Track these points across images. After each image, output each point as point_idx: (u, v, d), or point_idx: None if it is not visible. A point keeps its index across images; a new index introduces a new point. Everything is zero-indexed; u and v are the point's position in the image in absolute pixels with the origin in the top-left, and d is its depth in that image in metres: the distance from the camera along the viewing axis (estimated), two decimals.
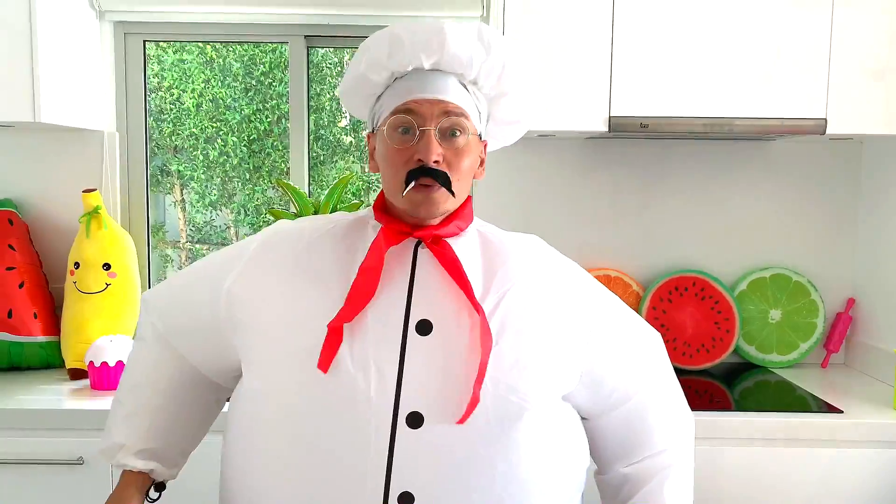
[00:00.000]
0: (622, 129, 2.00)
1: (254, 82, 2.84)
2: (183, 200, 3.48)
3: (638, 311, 2.30)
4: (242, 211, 3.09)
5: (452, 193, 1.09)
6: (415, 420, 0.99)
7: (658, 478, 1.16)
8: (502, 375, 1.03)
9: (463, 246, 1.13)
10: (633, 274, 2.35)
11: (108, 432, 1.26)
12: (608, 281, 2.31)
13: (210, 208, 3.37)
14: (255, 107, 2.84)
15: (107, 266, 2.15)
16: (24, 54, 1.93)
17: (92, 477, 1.81)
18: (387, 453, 0.99)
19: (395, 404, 1.00)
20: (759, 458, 1.83)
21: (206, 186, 2.99)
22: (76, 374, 2.08)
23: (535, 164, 2.35)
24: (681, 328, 2.28)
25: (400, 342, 1.03)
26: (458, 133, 1.09)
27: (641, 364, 1.22)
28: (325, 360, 1.00)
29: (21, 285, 2.14)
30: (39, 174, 2.31)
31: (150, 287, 2.43)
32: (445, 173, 1.07)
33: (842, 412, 1.88)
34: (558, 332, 1.11)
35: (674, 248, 2.38)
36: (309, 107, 2.48)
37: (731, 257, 2.37)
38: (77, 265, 2.15)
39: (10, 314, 2.10)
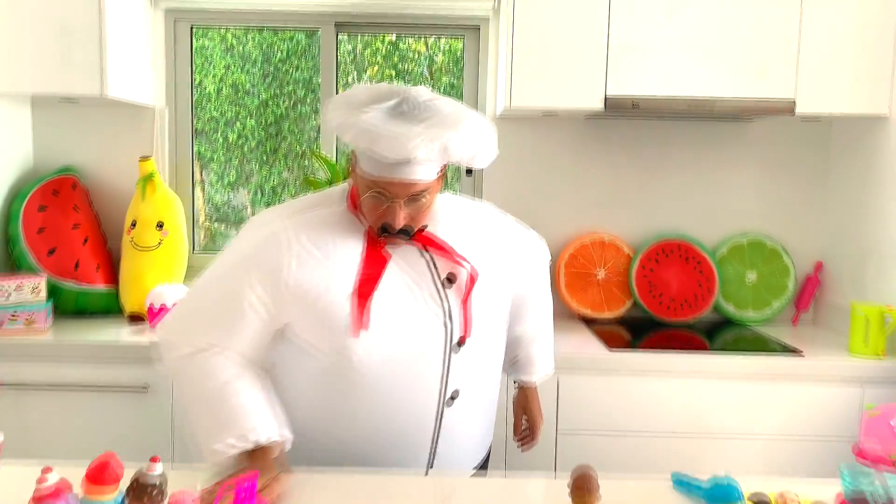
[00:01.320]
0: (617, 108, 2.28)
1: (272, 69, 3.01)
2: (203, 181, 3.72)
3: (629, 271, 2.59)
4: (259, 192, 3.26)
5: (413, 237, 1.35)
6: (459, 343, 1.37)
7: (537, 340, 1.67)
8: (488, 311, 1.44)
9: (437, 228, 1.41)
10: (625, 238, 2.65)
11: (225, 430, 1.25)
12: (602, 245, 2.60)
13: (229, 189, 3.61)
14: (272, 92, 3.01)
15: (160, 225, 2.44)
16: (94, 37, 2.21)
17: (154, 402, 2.11)
18: (442, 367, 1.36)
19: (447, 334, 1.36)
20: (732, 392, 2.13)
21: (225, 168, 3.15)
22: (134, 319, 2.37)
23: (539, 141, 2.64)
24: (666, 286, 2.57)
25: (437, 293, 1.36)
26: (421, 198, 1.30)
27: (538, 275, 1.66)
28: (357, 320, 1.29)
29: (85, 241, 2.43)
30: (98, 145, 2.59)
31: (194, 246, 2.72)
32: (409, 229, 1.32)
33: (802, 354, 2.17)
34: (501, 272, 1.48)
35: (662, 217, 2.66)
36: (337, 87, 2.76)
37: (713, 225, 2.66)
38: (134, 224, 2.44)
39: (76, 266, 2.39)
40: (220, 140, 2.98)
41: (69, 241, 2.40)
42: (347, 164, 1.44)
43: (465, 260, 1.38)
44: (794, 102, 2.26)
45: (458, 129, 1.24)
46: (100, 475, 0.88)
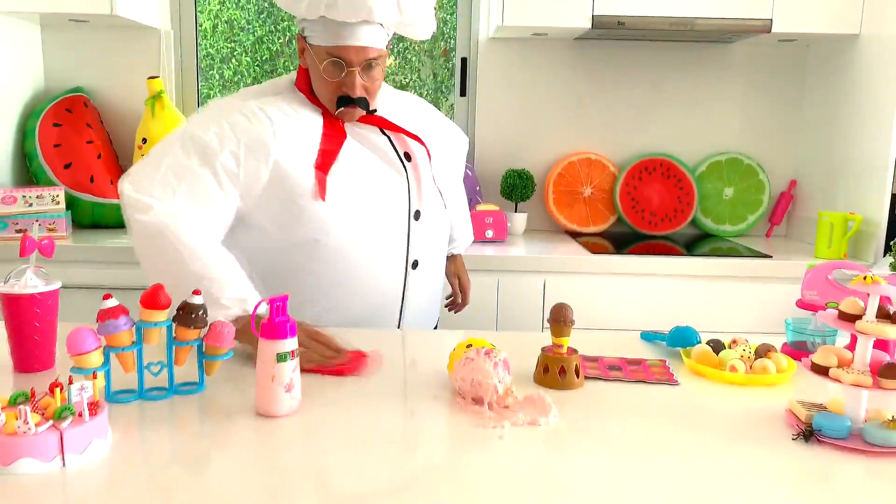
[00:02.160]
0: (603, 27, 2.40)
1: (266, 4, 3.05)
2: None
3: (613, 187, 2.75)
4: None
5: (368, 110, 1.48)
6: (417, 215, 1.53)
7: (460, 215, 1.86)
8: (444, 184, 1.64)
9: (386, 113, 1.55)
10: (610, 156, 2.79)
11: (223, 299, 1.26)
12: (589, 163, 2.75)
13: None
14: (267, 28, 3.05)
15: None
16: None
17: None
18: (405, 237, 1.51)
19: (408, 205, 1.52)
20: (707, 292, 2.30)
21: None
22: None
23: (530, 63, 2.76)
24: (648, 201, 2.73)
25: (401, 168, 1.52)
26: (374, 66, 1.43)
27: (461, 160, 1.88)
28: (321, 190, 1.41)
29: (99, 156, 2.56)
30: (107, 65, 2.70)
31: None
32: (365, 98, 1.44)
33: (770, 257, 2.35)
34: (443, 152, 1.67)
35: (645, 136, 2.81)
36: None
37: (694, 144, 2.81)
38: (144, 141, 2.57)
39: (91, 179, 2.52)
40: (217, 77, 3.05)
41: (84, 156, 2.53)
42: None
43: (418, 139, 1.55)
44: (771, 21, 2.38)
45: None
46: (153, 300, 1.04)
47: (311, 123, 1.46)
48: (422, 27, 1.50)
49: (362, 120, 1.50)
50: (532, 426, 0.99)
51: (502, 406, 1.03)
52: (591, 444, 0.96)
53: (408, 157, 1.53)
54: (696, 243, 2.69)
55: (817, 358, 0.99)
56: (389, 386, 1.15)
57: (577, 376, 1.14)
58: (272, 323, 0.98)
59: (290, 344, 0.99)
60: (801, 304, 1.33)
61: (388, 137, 1.53)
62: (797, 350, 1.30)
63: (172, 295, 1.06)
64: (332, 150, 1.44)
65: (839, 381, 0.95)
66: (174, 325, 1.07)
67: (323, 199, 1.40)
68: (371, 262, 1.48)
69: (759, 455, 0.94)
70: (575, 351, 1.16)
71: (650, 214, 2.74)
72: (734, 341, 1.28)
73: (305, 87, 1.50)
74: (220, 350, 1.08)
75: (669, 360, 1.28)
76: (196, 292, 1.07)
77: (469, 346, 1.09)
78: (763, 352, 1.23)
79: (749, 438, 0.98)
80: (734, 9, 2.38)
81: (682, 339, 1.30)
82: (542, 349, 1.17)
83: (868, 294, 0.96)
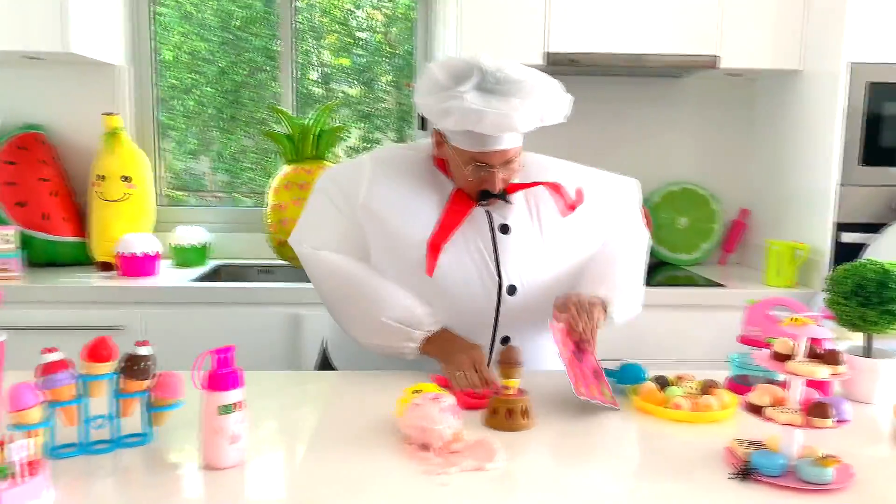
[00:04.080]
0: (557, 63, 2.45)
1: (230, 37, 3.05)
2: (163, 149, 3.79)
3: None
4: (219, 158, 3.33)
5: (507, 199, 1.45)
6: (511, 290, 1.44)
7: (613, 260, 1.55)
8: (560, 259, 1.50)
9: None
10: None
11: (411, 328, 1.41)
12: None
13: (189, 156, 3.67)
14: (230, 59, 3.06)
15: (126, 178, 2.55)
16: None
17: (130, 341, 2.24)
18: (494, 313, 1.45)
19: (498, 283, 1.43)
20: (663, 319, 2.35)
21: (185, 136, 3.20)
22: (104, 267, 2.49)
23: None
24: None
25: (491, 242, 1.44)
26: (514, 162, 1.42)
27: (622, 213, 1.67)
28: (430, 269, 1.40)
29: (53, 194, 2.53)
30: (63, 102, 2.68)
31: (159, 196, 2.84)
32: (504, 190, 1.43)
33: (724, 286, 2.41)
34: (579, 221, 1.51)
35: (601, 167, 2.85)
36: (293, 46, 2.88)
37: (649, 175, 2.86)
38: (100, 177, 2.55)
39: (44, 217, 2.49)
40: (179, 108, 3.04)
41: (38, 193, 2.50)
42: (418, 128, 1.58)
43: (535, 185, 1.46)
44: (717, 58, 2.46)
45: (546, 96, 1.38)
46: (97, 352, 1.03)
47: (428, 191, 1.46)
48: (559, 117, 1.46)
49: None
50: (479, 471, 1.00)
51: (449, 451, 1.04)
52: (535, 487, 0.97)
53: (505, 229, 1.46)
54: (653, 272, 2.73)
55: (753, 398, 1.02)
56: (337, 430, 1.15)
57: (525, 417, 1.16)
58: (215, 374, 0.99)
59: (234, 396, 0.99)
60: (744, 340, 1.37)
61: (487, 210, 1.46)
62: (740, 384, 1.34)
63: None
64: (451, 226, 1.42)
65: (773, 421, 0.98)
66: (120, 378, 1.06)
67: (430, 274, 1.40)
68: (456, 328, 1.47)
69: (697, 494, 0.96)
70: (524, 392, 1.18)
71: None
72: (680, 377, 1.31)
73: (441, 166, 1.50)
74: (168, 400, 1.07)
75: (618, 398, 1.31)
76: (140, 343, 1.07)
77: (417, 391, 1.10)
78: (707, 388, 1.26)
79: (688, 477, 1.01)
80: (682, 45, 2.46)
81: (630, 375, 1.33)
82: (494, 389, 1.18)
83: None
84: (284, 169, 2.55)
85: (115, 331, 2.23)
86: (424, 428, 1.04)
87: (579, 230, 1.51)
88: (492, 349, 1.47)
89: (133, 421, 1.08)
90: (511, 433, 1.13)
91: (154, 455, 1.06)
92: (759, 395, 1.02)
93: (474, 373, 1.33)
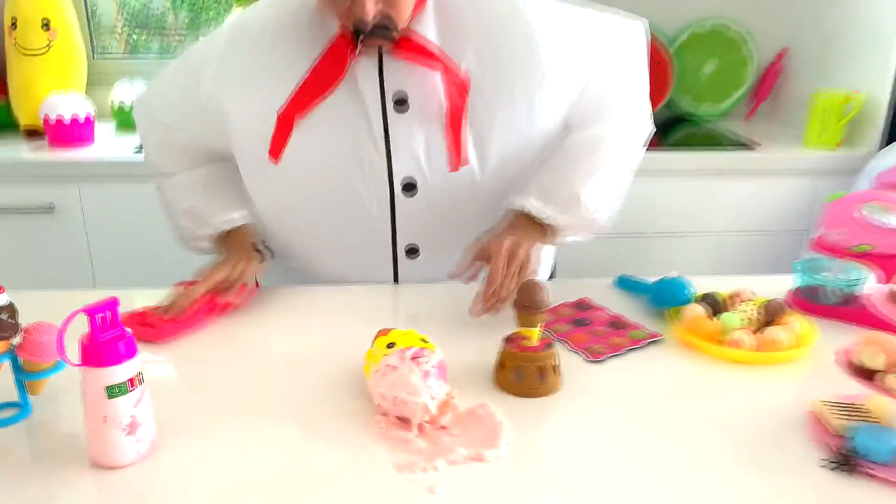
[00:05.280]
0: None
1: None
2: None
3: None
4: None
5: (396, 36, 1.01)
6: (409, 188, 1.08)
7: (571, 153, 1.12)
8: (480, 135, 1.06)
9: (420, 24, 1.04)
10: None
11: (205, 222, 1.16)
12: None
13: None
14: None
15: (45, 24, 2.10)
16: None
17: (63, 223, 1.93)
18: (389, 219, 1.10)
19: (388, 175, 1.07)
20: (685, 189, 2.03)
21: None
22: (32, 134, 2.11)
23: None
24: None
25: (381, 123, 1.04)
26: None
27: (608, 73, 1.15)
28: (276, 150, 1.05)
29: None
30: None
31: (94, 51, 2.40)
32: (388, 25, 0.99)
33: (755, 149, 2.06)
34: (528, 81, 1.06)
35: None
36: None
37: (671, 10, 2.42)
38: (14, 23, 2.10)
39: None
40: None
41: None
42: None
43: (451, 68, 1.02)
44: None
45: None
46: None
47: (301, 54, 1.05)
48: None
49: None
50: (476, 462, 0.72)
51: (437, 427, 0.76)
52: (553, 481, 0.70)
53: (402, 102, 1.04)
54: (671, 129, 2.37)
55: (861, 355, 0.73)
56: (284, 396, 0.85)
57: (546, 378, 0.84)
58: (95, 343, 0.68)
59: (127, 370, 0.69)
60: (820, 245, 1.06)
61: (380, 71, 1.04)
62: (808, 300, 1.04)
63: None
64: (314, 91, 1.03)
65: (893, 395, 0.70)
66: None
67: (275, 157, 1.06)
68: (342, 246, 1.14)
69: (781, 483, 0.69)
70: (550, 344, 0.86)
71: None
72: (735, 295, 1.02)
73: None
74: (41, 365, 0.78)
75: (652, 321, 1.02)
76: None
77: (391, 344, 0.80)
78: (772, 312, 0.97)
79: (764, 455, 0.74)
80: None
81: (669, 293, 1.03)
82: (504, 340, 0.87)
83: None
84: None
85: (43, 213, 1.91)
86: (402, 400, 0.75)
87: (528, 106, 1.06)
88: (396, 262, 1.15)
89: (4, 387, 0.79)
90: (524, 399, 0.84)
91: (32, 436, 0.78)
92: (869, 353, 0.72)
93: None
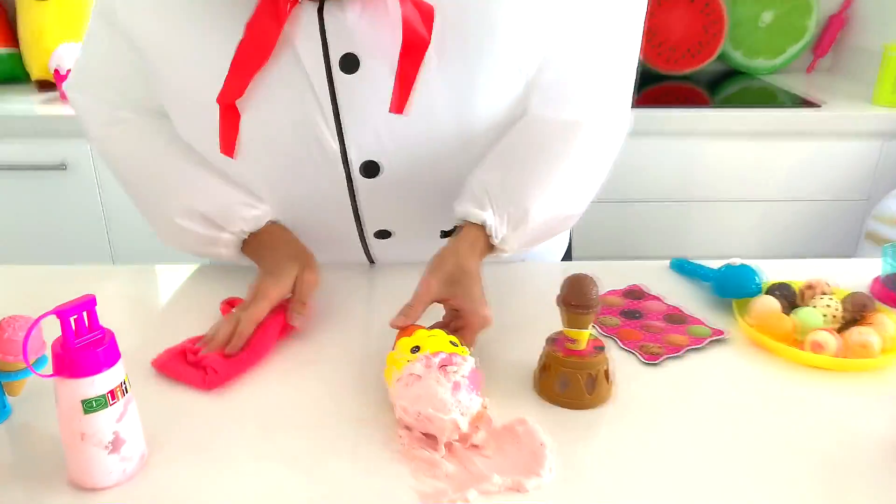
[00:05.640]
0: None
1: None
2: None
3: None
4: None
5: None
6: (370, 170, 0.88)
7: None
8: (446, 89, 0.83)
9: None
10: None
11: (225, 222, 0.91)
12: None
13: None
14: None
15: None
16: None
17: (75, 181, 1.84)
18: (351, 208, 0.92)
19: (343, 158, 0.87)
20: (738, 152, 1.87)
21: None
22: (44, 86, 2.02)
23: None
24: (668, 32, 2.20)
25: (328, 90, 0.82)
26: None
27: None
28: (227, 144, 0.85)
29: None
30: None
31: None
32: None
33: (820, 106, 1.88)
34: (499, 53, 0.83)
35: None
36: None
37: None
38: None
39: None
40: None
41: None
42: None
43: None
44: None
45: None
46: None
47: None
48: None
49: None
50: (514, 493, 0.62)
51: (468, 445, 0.66)
52: None
53: (350, 62, 0.81)
54: (723, 84, 2.20)
55: None
56: (291, 403, 0.74)
57: (596, 388, 0.72)
58: (69, 350, 0.58)
59: (107, 380, 0.59)
60: None
61: (321, 26, 0.80)
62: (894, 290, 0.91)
63: None
64: (251, 61, 0.80)
65: None
66: None
67: (228, 152, 0.86)
68: (303, 235, 0.94)
69: None
70: (600, 348, 0.73)
71: (669, 49, 2.21)
72: (809, 287, 0.89)
73: None
74: (19, 365, 0.68)
75: (713, 315, 0.89)
76: None
77: (416, 348, 0.69)
78: (858, 307, 0.83)
79: (855, 490, 0.62)
80: None
81: (735, 282, 0.90)
82: (549, 340, 0.75)
83: None
84: None
85: (55, 171, 1.82)
86: (428, 416, 0.64)
87: (497, 68, 0.83)
88: (366, 246, 0.99)
89: None
90: (570, 411, 0.72)
91: (11, 442, 0.69)
92: None
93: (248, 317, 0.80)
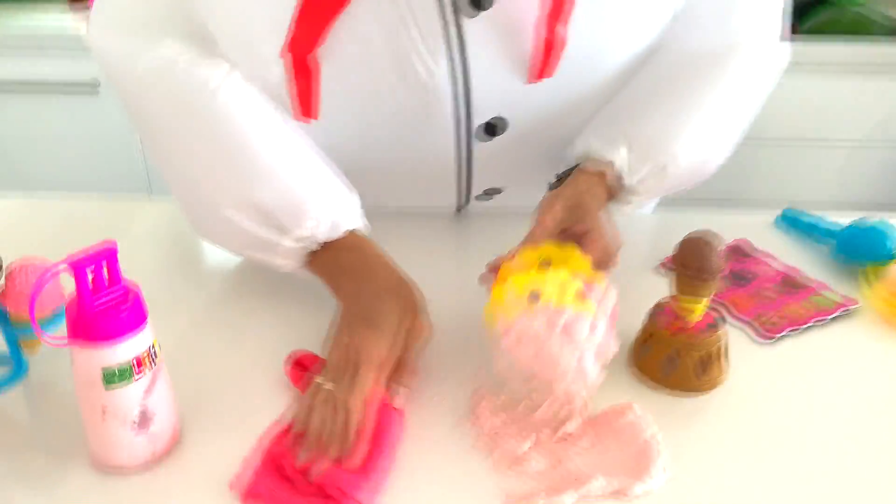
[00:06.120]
0: None
1: None
2: None
3: None
4: None
5: None
6: (492, 129, 0.72)
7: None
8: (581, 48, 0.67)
9: None
10: None
11: (293, 224, 0.65)
12: None
13: None
14: None
15: None
16: None
17: (110, 103, 1.74)
18: (465, 169, 0.77)
19: (466, 116, 0.70)
20: (816, 87, 1.70)
21: None
22: (75, 1, 1.90)
23: None
24: None
25: (443, 34, 0.64)
26: None
27: None
28: (304, 103, 0.67)
29: None
30: None
31: None
32: None
33: None
34: None
35: None
36: None
37: None
38: None
39: None
40: None
41: None
42: None
43: None
44: None
45: None
46: None
47: None
48: None
49: None
50: (618, 499, 0.51)
51: (556, 438, 0.55)
52: None
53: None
54: (809, 12, 1.98)
55: None
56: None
57: (709, 370, 0.60)
58: (85, 310, 0.47)
59: (131, 347, 0.49)
60: None
61: None
62: None
63: None
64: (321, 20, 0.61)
65: None
66: None
67: (304, 115, 0.67)
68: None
69: None
70: (716, 322, 0.60)
71: None
72: None
73: None
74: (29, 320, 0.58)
75: (835, 281, 0.76)
76: None
77: (546, 263, 0.56)
78: None
79: None
80: None
81: (865, 244, 0.76)
82: (652, 310, 0.63)
83: None
84: None
85: (87, 92, 1.72)
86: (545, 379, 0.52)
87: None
88: (460, 203, 0.86)
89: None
90: (674, 395, 0.60)
91: (28, 405, 0.60)
92: None
93: (351, 394, 0.54)
